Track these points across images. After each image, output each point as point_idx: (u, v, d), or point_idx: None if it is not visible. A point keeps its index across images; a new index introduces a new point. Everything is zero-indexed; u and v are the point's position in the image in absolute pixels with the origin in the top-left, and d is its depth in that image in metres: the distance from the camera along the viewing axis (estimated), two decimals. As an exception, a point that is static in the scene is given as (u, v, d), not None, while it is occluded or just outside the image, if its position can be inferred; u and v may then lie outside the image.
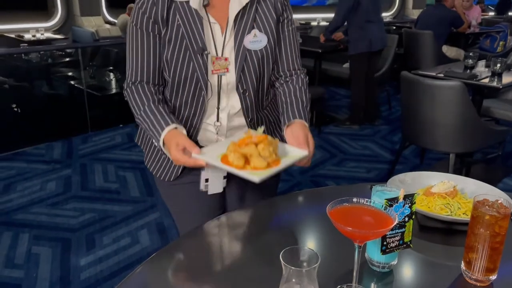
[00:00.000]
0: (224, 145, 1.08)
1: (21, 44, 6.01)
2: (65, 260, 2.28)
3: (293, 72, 1.28)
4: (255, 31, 1.18)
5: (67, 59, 4.85)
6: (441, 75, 2.97)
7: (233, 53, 1.17)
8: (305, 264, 0.78)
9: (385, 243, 0.89)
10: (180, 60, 1.16)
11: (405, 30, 5.16)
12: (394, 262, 0.94)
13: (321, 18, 8.63)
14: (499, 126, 2.93)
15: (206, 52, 1.15)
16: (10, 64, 4.27)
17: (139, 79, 1.19)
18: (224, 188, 1.25)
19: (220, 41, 1.17)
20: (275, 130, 1.36)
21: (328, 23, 4.65)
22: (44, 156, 3.59)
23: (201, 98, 1.19)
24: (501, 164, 3.34)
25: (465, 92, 2.53)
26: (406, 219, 0.90)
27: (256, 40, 1.18)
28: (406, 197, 0.88)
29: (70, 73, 4.61)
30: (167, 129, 1.11)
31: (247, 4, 1.15)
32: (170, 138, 1.09)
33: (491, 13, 10.11)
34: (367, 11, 3.93)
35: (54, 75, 4.64)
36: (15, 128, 3.90)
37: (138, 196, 2.95)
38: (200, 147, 1.21)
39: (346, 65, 5.14)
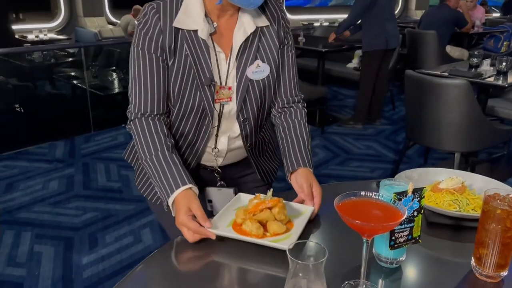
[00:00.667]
0: (230, 209, 1.06)
1: (24, 44, 6.02)
2: (67, 258, 2.27)
3: (291, 99, 1.25)
4: (258, 61, 1.15)
5: (70, 59, 4.85)
6: (446, 74, 2.95)
7: (235, 82, 1.15)
8: (312, 258, 0.76)
9: (393, 238, 0.87)
10: (188, 90, 1.12)
11: (409, 30, 5.15)
12: (402, 258, 0.92)
13: (324, 19, 8.62)
14: (504, 126, 2.91)
15: (213, 83, 1.12)
16: (13, 64, 4.28)
17: (148, 111, 1.12)
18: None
19: (224, 69, 1.15)
20: (268, 149, 1.35)
21: (329, 23, 4.64)
22: (47, 155, 3.58)
23: (205, 126, 1.17)
24: (506, 163, 3.31)
25: (470, 91, 2.51)
26: (415, 213, 0.88)
27: (259, 71, 1.16)
28: (415, 191, 0.86)
29: (73, 73, 4.61)
30: (182, 189, 1.03)
31: (251, 33, 1.13)
32: (182, 200, 1.01)
33: (495, 14, 10.08)
34: (383, 9, 3.93)
35: (57, 75, 4.64)
36: (18, 128, 3.90)
37: (141, 195, 2.93)
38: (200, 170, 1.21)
39: (350, 64, 5.13)
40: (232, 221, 1.03)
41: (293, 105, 1.26)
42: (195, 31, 1.09)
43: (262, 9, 1.17)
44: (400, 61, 4.92)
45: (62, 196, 2.91)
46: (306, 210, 1.08)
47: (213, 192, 1.24)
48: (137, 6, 6.96)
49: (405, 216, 0.79)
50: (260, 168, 1.32)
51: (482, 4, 8.86)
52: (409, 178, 1.16)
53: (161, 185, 1.06)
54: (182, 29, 1.09)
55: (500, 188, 0.91)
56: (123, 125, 4.23)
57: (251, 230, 0.97)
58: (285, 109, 1.25)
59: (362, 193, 0.84)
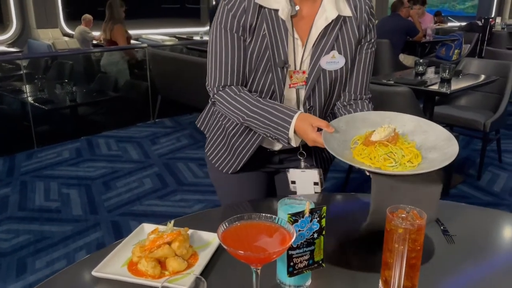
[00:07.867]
0: (129, 244, 0.96)
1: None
2: (-10, 288, 2.08)
3: (359, 96, 1.22)
4: (334, 52, 1.13)
5: (18, 72, 4.61)
6: (391, 82, 2.95)
7: (308, 69, 1.14)
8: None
9: (292, 263, 0.79)
10: (260, 71, 1.13)
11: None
12: (307, 283, 0.84)
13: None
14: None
15: (287, 66, 1.11)
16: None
17: (228, 83, 1.14)
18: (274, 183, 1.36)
19: (299, 55, 1.14)
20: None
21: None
22: (-18, 175, 3.34)
23: None
24: (455, 171, 3.33)
25: (413, 98, 2.50)
26: (315, 235, 0.80)
27: (334, 61, 1.14)
28: (313, 211, 0.78)
29: (15, 86, 4.38)
30: (295, 116, 1.07)
31: (332, 20, 1.10)
32: (301, 123, 1.06)
33: (451, 24, 10.42)
34: None
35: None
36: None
37: (81, 214, 2.76)
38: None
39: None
40: (128, 259, 0.91)
41: (359, 101, 1.22)
42: (276, 11, 1.09)
43: None
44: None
45: (-6, 218, 2.70)
46: (214, 239, 0.97)
47: (297, 174, 1.23)
48: (86, 16, 6.80)
49: (294, 238, 0.71)
50: (316, 155, 1.31)
51: (436, 15, 9.15)
52: (337, 129, 1.04)
53: (274, 125, 1.09)
54: (264, 8, 1.09)
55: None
56: (70, 140, 4.03)
57: (147, 270, 0.87)
58: (352, 102, 1.22)
59: (254, 215, 0.75)
